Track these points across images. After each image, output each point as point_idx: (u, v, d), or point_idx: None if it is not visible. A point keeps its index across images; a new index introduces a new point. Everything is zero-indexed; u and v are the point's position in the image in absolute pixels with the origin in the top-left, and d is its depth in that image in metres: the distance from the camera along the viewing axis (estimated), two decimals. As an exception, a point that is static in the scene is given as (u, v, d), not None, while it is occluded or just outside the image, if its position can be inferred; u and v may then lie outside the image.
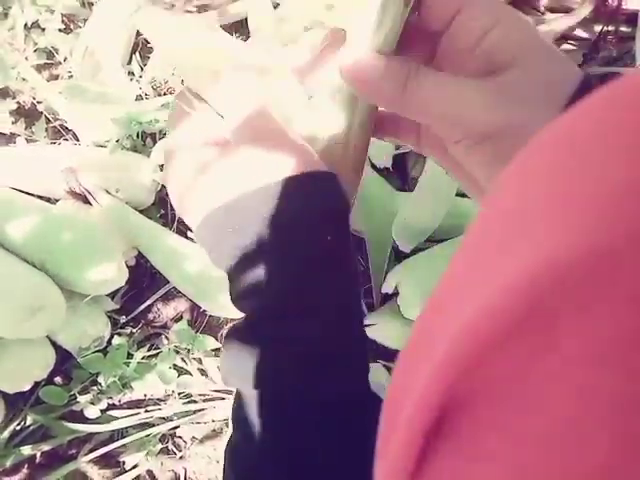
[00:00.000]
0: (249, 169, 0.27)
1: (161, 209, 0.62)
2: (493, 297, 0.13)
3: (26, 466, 0.58)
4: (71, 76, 0.67)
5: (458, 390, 0.13)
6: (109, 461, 0.57)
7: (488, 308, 0.13)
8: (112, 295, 0.59)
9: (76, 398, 0.57)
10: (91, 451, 0.56)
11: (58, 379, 0.59)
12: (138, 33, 0.69)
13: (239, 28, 0.67)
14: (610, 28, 0.61)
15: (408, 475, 0.14)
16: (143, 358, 0.57)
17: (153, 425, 0.57)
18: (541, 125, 0.15)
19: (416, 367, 0.15)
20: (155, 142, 0.59)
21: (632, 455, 0.11)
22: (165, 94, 0.67)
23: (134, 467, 0.56)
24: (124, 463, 0.56)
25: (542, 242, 0.13)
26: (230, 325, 0.59)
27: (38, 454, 0.58)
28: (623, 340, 0.11)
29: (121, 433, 0.57)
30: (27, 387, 0.56)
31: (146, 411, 0.57)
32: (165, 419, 0.57)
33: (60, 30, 0.69)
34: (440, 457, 0.14)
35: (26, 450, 0.56)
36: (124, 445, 0.56)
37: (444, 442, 0.14)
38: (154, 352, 0.59)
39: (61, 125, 0.65)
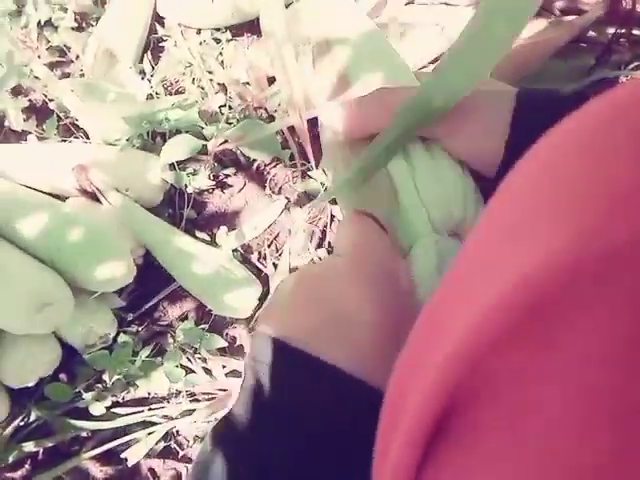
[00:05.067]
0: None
1: (169, 208, 0.63)
2: (495, 297, 0.13)
3: (28, 462, 0.58)
4: (83, 74, 0.68)
5: (461, 389, 0.13)
6: (111, 458, 0.57)
7: (491, 308, 0.13)
8: (119, 293, 0.59)
9: (81, 395, 0.57)
10: (93, 448, 0.56)
11: (63, 376, 0.59)
12: (150, 32, 0.70)
13: (250, 28, 0.67)
14: (623, 31, 0.60)
15: (410, 474, 0.14)
16: (148, 356, 0.57)
17: (156, 423, 0.56)
18: None
19: (419, 366, 0.15)
20: (165, 141, 0.59)
21: (632, 455, 0.11)
22: (176, 93, 0.67)
23: (136, 465, 0.56)
24: (126, 460, 0.56)
25: (544, 242, 0.13)
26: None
27: (40, 450, 0.57)
28: (624, 339, 0.11)
29: (124, 430, 0.57)
30: (32, 383, 0.55)
31: (150, 409, 0.57)
32: (168, 417, 0.57)
33: (73, 28, 0.70)
34: (442, 456, 0.14)
35: (29, 446, 0.56)
36: (127, 442, 0.56)
37: (446, 441, 0.14)
38: (159, 351, 0.59)
39: (72, 123, 0.65)
